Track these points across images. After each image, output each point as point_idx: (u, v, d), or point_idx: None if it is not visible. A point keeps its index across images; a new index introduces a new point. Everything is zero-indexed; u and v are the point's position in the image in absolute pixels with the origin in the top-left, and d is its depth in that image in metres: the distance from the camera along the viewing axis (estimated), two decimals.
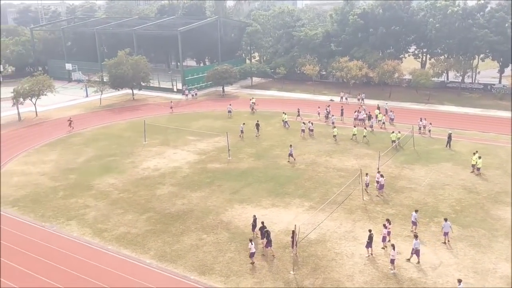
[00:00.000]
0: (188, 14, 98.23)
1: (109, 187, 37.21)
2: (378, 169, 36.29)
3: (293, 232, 25.61)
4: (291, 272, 24.79)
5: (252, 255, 25.54)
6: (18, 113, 60.49)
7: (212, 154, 44.78)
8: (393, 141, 45.13)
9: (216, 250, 27.23)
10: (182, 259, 26.39)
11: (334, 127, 49.14)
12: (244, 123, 50.95)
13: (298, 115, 56.56)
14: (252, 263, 25.58)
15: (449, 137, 44.64)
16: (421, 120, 50.52)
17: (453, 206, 32.21)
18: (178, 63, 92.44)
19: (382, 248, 26.88)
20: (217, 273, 24.97)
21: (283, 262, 25.79)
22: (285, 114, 54.80)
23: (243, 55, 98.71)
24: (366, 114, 54.52)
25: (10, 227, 30.68)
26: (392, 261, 24.74)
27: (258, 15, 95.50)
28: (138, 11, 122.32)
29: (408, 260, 25.59)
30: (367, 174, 34.83)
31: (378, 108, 57.54)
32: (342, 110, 56.89)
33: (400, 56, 78.11)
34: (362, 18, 76.64)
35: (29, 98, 60.53)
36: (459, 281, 22.29)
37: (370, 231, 26.36)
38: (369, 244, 26.07)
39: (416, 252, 25.40)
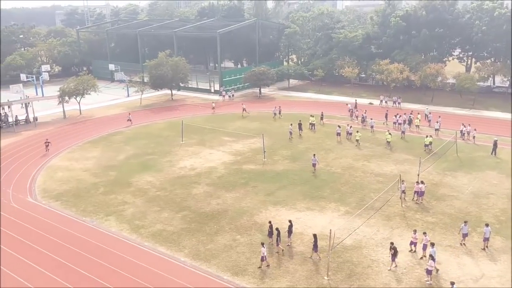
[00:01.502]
0: (228, 16, 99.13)
1: (147, 184, 37.93)
2: (418, 175, 35.22)
3: (315, 235, 25.98)
4: (325, 277, 24.41)
5: (263, 258, 25.36)
6: (63, 111, 62.71)
7: (247, 155, 44.86)
8: (426, 145, 44.59)
9: (249, 251, 27.19)
10: (216, 259, 26.51)
11: (357, 131, 48.10)
12: (291, 124, 50.82)
13: (322, 119, 55.90)
14: (260, 266, 25.40)
15: (495, 144, 42.87)
16: (464, 126, 48.84)
17: (498, 216, 30.85)
18: (216, 65, 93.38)
19: (421, 258, 26.03)
20: (250, 275, 24.92)
21: (317, 267, 25.45)
22: (313, 116, 54.24)
23: (281, 57, 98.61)
24: (406, 119, 53.27)
25: (53, 221, 31.76)
26: (429, 272, 23.85)
27: (297, 16, 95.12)
28: (179, 13, 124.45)
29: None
30: (403, 181, 33.80)
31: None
32: (386, 114, 55.94)
33: (444, 59, 75.78)
34: (404, 20, 74.95)
35: (74, 96, 62.59)
36: (452, 283, 21.98)
37: (392, 243, 25.31)
38: (393, 256, 25.02)
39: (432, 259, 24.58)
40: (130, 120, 57.74)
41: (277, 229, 27.22)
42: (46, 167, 42.74)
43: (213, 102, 66.62)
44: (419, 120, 52.75)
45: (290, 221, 28.30)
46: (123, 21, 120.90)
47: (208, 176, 39.33)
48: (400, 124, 52.50)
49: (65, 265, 26.18)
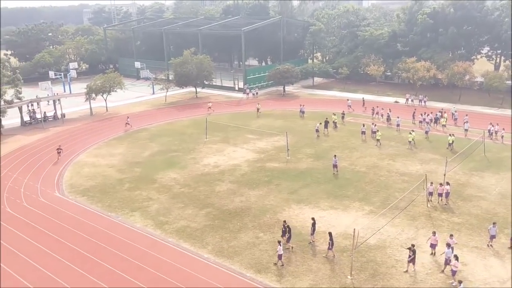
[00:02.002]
0: (252, 14, 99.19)
1: (171, 181, 38.37)
2: (444, 175, 34.55)
3: (330, 234, 26.35)
4: (349, 276, 24.24)
5: (280, 257, 25.36)
6: (90, 108, 63.95)
7: (271, 153, 44.86)
8: (450, 144, 44.08)
9: (272, 249, 27.18)
10: (239, 256, 26.63)
11: (378, 130, 47.21)
12: (320, 123, 50.65)
13: (343, 118, 55.31)
14: (276, 263, 25.40)
15: None
16: (492, 125, 47.70)
17: None
18: (241, 62, 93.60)
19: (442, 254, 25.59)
20: (272, 272, 24.95)
21: (340, 266, 25.29)
22: (335, 115, 53.78)
23: (305, 54, 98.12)
24: (433, 117, 52.46)
25: (79, 215, 32.46)
26: (454, 273, 23.42)
27: (322, 14, 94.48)
28: (204, 11, 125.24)
29: (442, 271, 24.34)
30: (431, 183, 33.00)
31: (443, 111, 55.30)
32: (414, 113, 55.21)
33: (472, 58, 74.20)
34: (431, 17, 73.60)
35: (101, 94, 63.78)
36: (460, 282, 21.86)
37: (413, 245, 24.76)
38: (412, 259, 24.42)
39: (447, 262, 24.22)
40: (129, 124, 55.31)
41: (288, 226, 27.31)
42: (73, 163, 43.69)
43: (209, 102, 65.82)
44: (446, 119, 51.81)
45: (313, 219, 28.20)
46: (149, 19, 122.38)
47: (231, 174, 39.52)
48: (427, 122, 51.73)
49: (91, 259, 26.74)
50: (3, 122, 54.02)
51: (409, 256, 24.45)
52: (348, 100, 62.96)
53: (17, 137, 53.14)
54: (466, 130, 48.47)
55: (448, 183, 32.77)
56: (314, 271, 24.93)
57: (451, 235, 25.83)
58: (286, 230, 27.32)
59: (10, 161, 44.68)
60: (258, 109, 60.64)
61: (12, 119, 58.18)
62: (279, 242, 25.76)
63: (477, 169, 38.91)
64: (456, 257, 23.46)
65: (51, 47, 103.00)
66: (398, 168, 39.91)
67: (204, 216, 31.75)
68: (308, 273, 24.81)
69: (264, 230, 29.49)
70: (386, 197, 33.83)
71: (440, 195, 32.45)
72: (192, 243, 28.28)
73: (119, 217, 32.10)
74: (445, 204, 32.25)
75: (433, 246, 25.98)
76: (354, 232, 24.32)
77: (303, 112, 58.96)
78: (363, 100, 64.19)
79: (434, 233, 26.21)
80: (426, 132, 48.16)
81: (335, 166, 38.99)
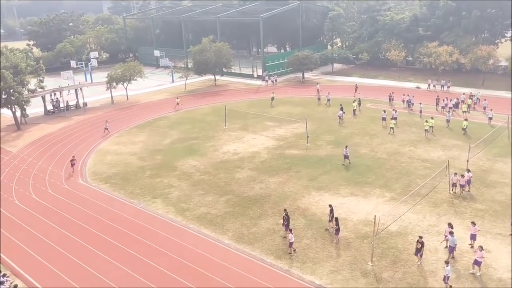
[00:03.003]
0: (271, 0, 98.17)
1: (191, 168, 38.71)
2: (467, 161, 33.97)
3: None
4: (369, 263, 24.20)
5: (290, 244, 25.43)
6: (111, 97, 64.70)
7: (290, 140, 44.77)
8: (463, 129, 43.65)
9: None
10: (259, 242, 26.81)
11: (392, 118, 46.28)
12: (343, 111, 50.25)
13: (359, 105, 54.57)
14: (290, 252, 25.41)
15: None
16: None
17: None
18: (259, 49, 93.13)
19: (469, 245, 25.29)
20: (293, 259, 25.06)
21: (361, 253, 25.24)
22: (355, 102, 53.16)
23: (325, 40, 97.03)
24: (458, 102, 51.59)
25: (102, 202, 33.08)
26: (479, 263, 22.74)
27: None
28: None
29: (448, 261, 23.59)
30: (455, 173, 31.66)
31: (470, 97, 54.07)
32: (437, 99, 54.00)
33: (496, 41, 72.25)
34: (454, 0, 71.67)
35: (121, 82, 64.41)
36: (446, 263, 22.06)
37: (420, 237, 24.01)
38: (418, 251, 23.78)
39: (451, 250, 23.90)
40: (107, 129, 50.11)
41: (287, 214, 27.31)
42: (96, 151, 44.43)
43: (177, 98, 62.10)
44: (468, 105, 50.75)
45: (330, 206, 28.17)
46: (168, 8, 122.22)
47: (251, 161, 39.63)
48: (450, 108, 50.86)
49: (115, 245, 27.29)
50: (27, 111, 55.07)
51: (417, 249, 23.80)
52: (317, 84, 64.05)
53: (41, 126, 54.26)
54: (490, 118, 46.75)
55: (468, 170, 32.09)
56: (334, 258, 24.96)
57: (473, 222, 25.42)
58: (285, 218, 27.27)
59: (35, 149, 45.70)
60: (272, 98, 59.25)
61: (36, 108, 59.33)
62: (290, 230, 25.83)
63: (501, 155, 38.14)
64: (481, 247, 22.99)
65: (72, 37, 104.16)
66: (419, 154, 39.40)
67: (224, 203, 32.00)
68: (328, 259, 24.86)
69: None
70: (407, 184, 33.50)
71: (462, 186, 31.47)
72: (212, 229, 28.58)
73: (141, 204, 32.61)
74: (468, 191, 31.72)
75: (473, 236, 25.20)
76: (374, 218, 24.20)
77: (329, 100, 57.23)
78: (356, 86, 62.95)
79: (473, 223, 25.34)
80: (448, 121, 46.68)
81: (346, 157, 37.90)
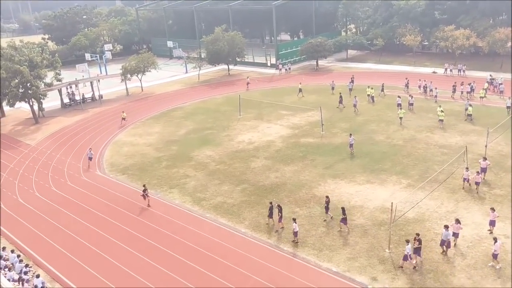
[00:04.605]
0: None
1: (206, 158, 38.91)
2: (485, 146, 33.42)
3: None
4: (387, 250, 24.13)
5: (295, 234, 25.40)
6: (126, 89, 65.17)
7: (305, 128, 44.62)
8: (468, 115, 42.97)
9: (308, 223, 27.35)
10: (276, 231, 26.92)
11: (401, 108, 44.83)
12: (356, 96, 49.89)
13: (382, 90, 53.89)
14: (295, 241, 25.42)
15: None
16: None
17: None
18: (272, 38, 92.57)
19: (488, 230, 25.02)
20: (310, 246, 25.14)
21: (378, 240, 25.17)
22: (372, 89, 52.42)
23: (339, 27, 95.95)
24: (470, 88, 50.64)
25: (120, 193, 33.52)
26: (495, 256, 22.20)
27: None
28: None
29: (443, 253, 23.39)
30: (467, 168, 30.15)
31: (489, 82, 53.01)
32: (454, 86, 51.89)
33: None
34: None
35: (136, 74, 64.79)
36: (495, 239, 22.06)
37: (417, 234, 22.93)
38: (417, 251, 22.59)
39: (443, 243, 23.32)
40: (125, 120, 50.35)
41: (278, 205, 27.17)
42: (113, 143, 44.93)
43: (123, 112, 51.95)
44: (484, 90, 49.68)
45: (327, 197, 27.92)
46: None
47: (266, 150, 39.65)
48: (468, 92, 49.97)
49: (133, 235, 27.69)
50: (44, 105, 55.84)
51: (415, 248, 22.55)
52: (248, 77, 63.16)
53: (58, 119, 55.02)
54: (508, 107, 44.24)
55: (485, 158, 31.21)
56: (351, 245, 24.95)
57: (492, 208, 25.08)
58: (271, 208, 27.33)
59: (53, 141, 46.42)
60: (300, 90, 56.98)
61: (53, 101, 60.13)
62: (294, 219, 25.71)
63: None
64: (495, 239, 22.27)
65: (86, 29, 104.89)
66: (436, 140, 38.94)
67: (240, 192, 32.14)
68: (345, 247, 24.87)
69: (300, 205, 29.61)
70: (424, 170, 33.19)
71: (477, 183, 29.36)
72: (229, 218, 28.78)
73: (158, 194, 32.96)
74: (483, 179, 30.78)
75: (492, 223, 24.82)
76: (391, 205, 24.07)
77: (350, 89, 55.22)
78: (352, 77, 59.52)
79: (492, 209, 24.92)
80: (466, 109, 44.45)
81: (351, 145, 37.47)
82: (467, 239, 24.52)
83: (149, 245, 26.45)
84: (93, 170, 38.34)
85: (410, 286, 21.43)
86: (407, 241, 22.69)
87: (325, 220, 27.55)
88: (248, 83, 63.68)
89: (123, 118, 50.53)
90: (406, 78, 56.96)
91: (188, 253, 25.36)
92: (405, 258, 22.47)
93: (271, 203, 27.92)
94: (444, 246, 23.39)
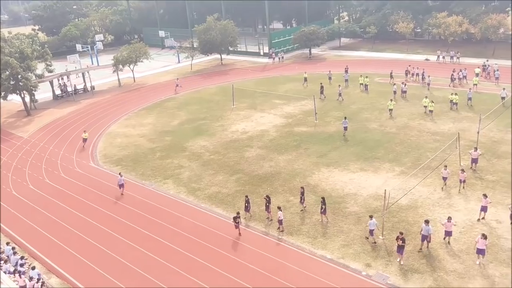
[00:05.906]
0: None
1: (201, 149, 38.91)
2: (478, 132, 33.65)
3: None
4: (380, 236, 24.38)
5: (280, 222, 25.64)
6: (118, 79, 64.75)
7: (298, 117, 44.67)
8: (454, 103, 42.88)
9: (303, 212, 27.53)
10: (270, 220, 27.08)
11: (391, 99, 44.24)
12: (340, 85, 50.10)
13: (391, 77, 53.67)
14: (281, 230, 25.66)
15: None
16: None
17: None
18: (265, 26, 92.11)
19: (478, 220, 25.26)
20: (304, 234, 25.34)
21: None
22: (367, 77, 52.25)
23: (331, 15, 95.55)
24: (465, 74, 50.84)
25: (115, 184, 33.35)
26: (483, 252, 21.58)
27: None
28: None
29: (420, 250, 23.17)
30: (462, 170, 28.93)
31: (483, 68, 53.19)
32: (452, 75, 51.33)
33: (507, 9, 70.47)
34: None
35: (128, 65, 64.32)
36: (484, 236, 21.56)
37: (401, 233, 22.28)
38: (400, 249, 22.20)
39: (424, 238, 23.10)
40: (178, 86, 55.16)
41: (267, 196, 27.24)
42: (106, 134, 44.77)
43: (85, 131, 42.63)
44: (476, 74, 49.92)
45: (302, 188, 28.12)
46: None
47: (260, 139, 39.70)
48: (460, 79, 50.23)
49: (129, 226, 27.76)
50: (36, 97, 55.40)
51: (398, 246, 22.22)
52: (177, 79, 60.41)
53: (50, 111, 54.66)
54: (503, 98, 43.36)
55: (476, 149, 30.94)
56: (345, 232, 25.18)
57: (485, 195, 25.31)
58: (248, 202, 27.45)
59: (46, 134, 46.17)
60: (305, 79, 55.89)
61: (44, 93, 59.65)
62: (279, 207, 25.90)
63: None
64: (484, 236, 21.59)
65: (77, 20, 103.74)
66: (429, 127, 39.17)
67: (235, 182, 32.23)
68: (339, 234, 25.09)
69: (295, 193, 29.75)
70: (417, 157, 33.43)
71: (462, 181, 28.37)
72: (224, 208, 28.90)
73: (152, 185, 32.98)
74: (474, 170, 30.84)
75: (484, 209, 24.92)
76: (384, 193, 24.28)
77: (346, 80, 54.01)
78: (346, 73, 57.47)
79: (485, 195, 24.98)
80: (469, 99, 43.85)
81: (345, 128, 38.36)
82: (459, 225, 24.77)
83: (144, 236, 26.51)
84: (87, 162, 38.22)
85: (403, 271, 21.71)
86: (371, 217, 24.16)
87: (301, 210, 27.71)
88: (177, 85, 59.01)
89: (84, 139, 41.84)
90: (409, 65, 56.51)
91: (185, 243, 25.45)
92: (371, 233, 24.08)
93: (247, 196, 27.90)
94: (425, 242, 22.99)
